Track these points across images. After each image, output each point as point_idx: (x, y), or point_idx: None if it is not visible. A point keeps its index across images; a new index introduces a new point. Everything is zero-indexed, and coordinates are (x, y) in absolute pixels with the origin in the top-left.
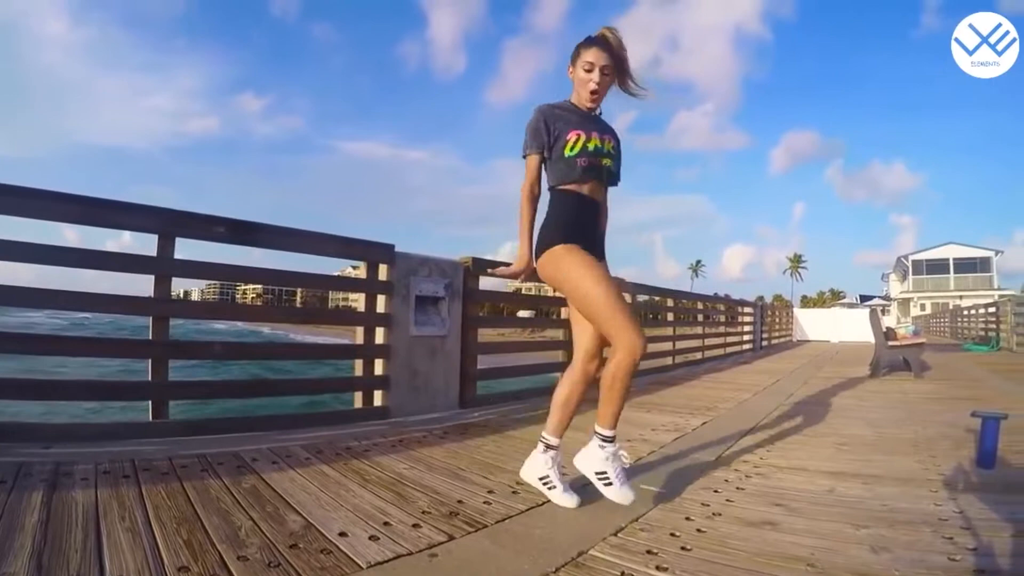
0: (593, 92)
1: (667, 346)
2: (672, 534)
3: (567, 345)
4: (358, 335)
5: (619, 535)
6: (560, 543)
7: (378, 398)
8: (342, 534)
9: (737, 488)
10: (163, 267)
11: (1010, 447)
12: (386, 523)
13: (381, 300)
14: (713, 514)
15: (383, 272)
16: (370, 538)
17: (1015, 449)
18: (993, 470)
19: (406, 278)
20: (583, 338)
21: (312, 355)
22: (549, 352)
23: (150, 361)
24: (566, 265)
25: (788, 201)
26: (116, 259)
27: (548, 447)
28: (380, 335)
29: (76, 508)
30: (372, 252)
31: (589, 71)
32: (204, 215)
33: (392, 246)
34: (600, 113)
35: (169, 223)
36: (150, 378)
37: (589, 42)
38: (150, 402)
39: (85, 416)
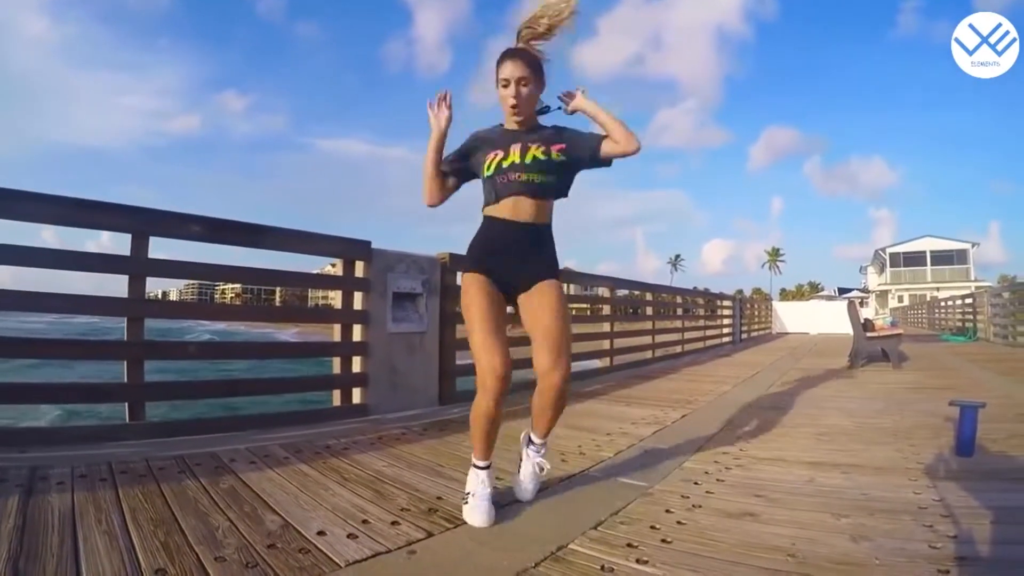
0: (514, 107)
1: (647, 340)
2: (652, 527)
3: None
4: (336, 333)
5: (599, 529)
6: (539, 538)
7: (357, 395)
8: (320, 533)
9: (717, 480)
10: (137, 267)
11: (987, 435)
12: (365, 521)
13: (358, 297)
14: (693, 506)
15: (360, 269)
16: (348, 536)
17: (992, 437)
18: (972, 457)
19: (383, 275)
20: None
21: (289, 354)
22: (527, 348)
23: (126, 363)
24: (463, 294)
25: (767, 196)
26: (90, 259)
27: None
28: (358, 332)
29: (52, 512)
30: (349, 249)
31: (505, 87)
32: (178, 213)
33: (368, 242)
34: (547, 111)
35: (143, 222)
36: (126, 379)
37: (501, 58)
38: (127, 404)
39: (61, 419)
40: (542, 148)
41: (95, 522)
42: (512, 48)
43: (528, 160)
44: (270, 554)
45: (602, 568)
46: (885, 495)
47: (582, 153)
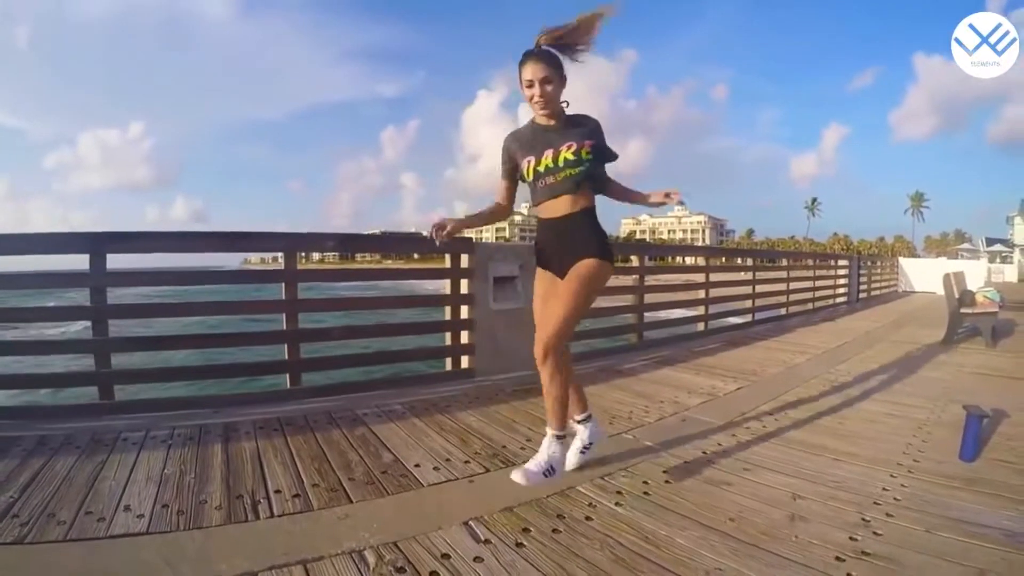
0: (540, 103)
1: (747, 304)
2: (644, 482)
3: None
4: (447, 312)
5: (604, 478)
6: (559, 479)
7: (464, 362)
8: (416, 465)
9: (723, 451)
10: (291, 276)
11: (1006, 443)
12: (447, 459)
13: (464, 283)
14: (687, 471)
15: (465, 260)
16: (434, 469)
17: (1010, 445)
18: (970, 464)
19: (485, 263)
20: None
21: (416, 305)
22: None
23: (286, 345)
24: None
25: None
26: (250, 275)
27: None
28: (464, 311)
29: (245, 452)
30: (457, 246)
31: (530, 87)
32: (318, 233)
33: (471, 239)
34: (563, 115)
35: (291, 243)
36: (287, 357)
37: (523, 59)
38: (287, 375)
39: (238, 388)
40: (572, 148)
41: (273, 457)
42: (531, 50)
43: (560, 163)
44: (383, 477)
45: (590, 505)
46: (856, 485)
47: (601, 159)
